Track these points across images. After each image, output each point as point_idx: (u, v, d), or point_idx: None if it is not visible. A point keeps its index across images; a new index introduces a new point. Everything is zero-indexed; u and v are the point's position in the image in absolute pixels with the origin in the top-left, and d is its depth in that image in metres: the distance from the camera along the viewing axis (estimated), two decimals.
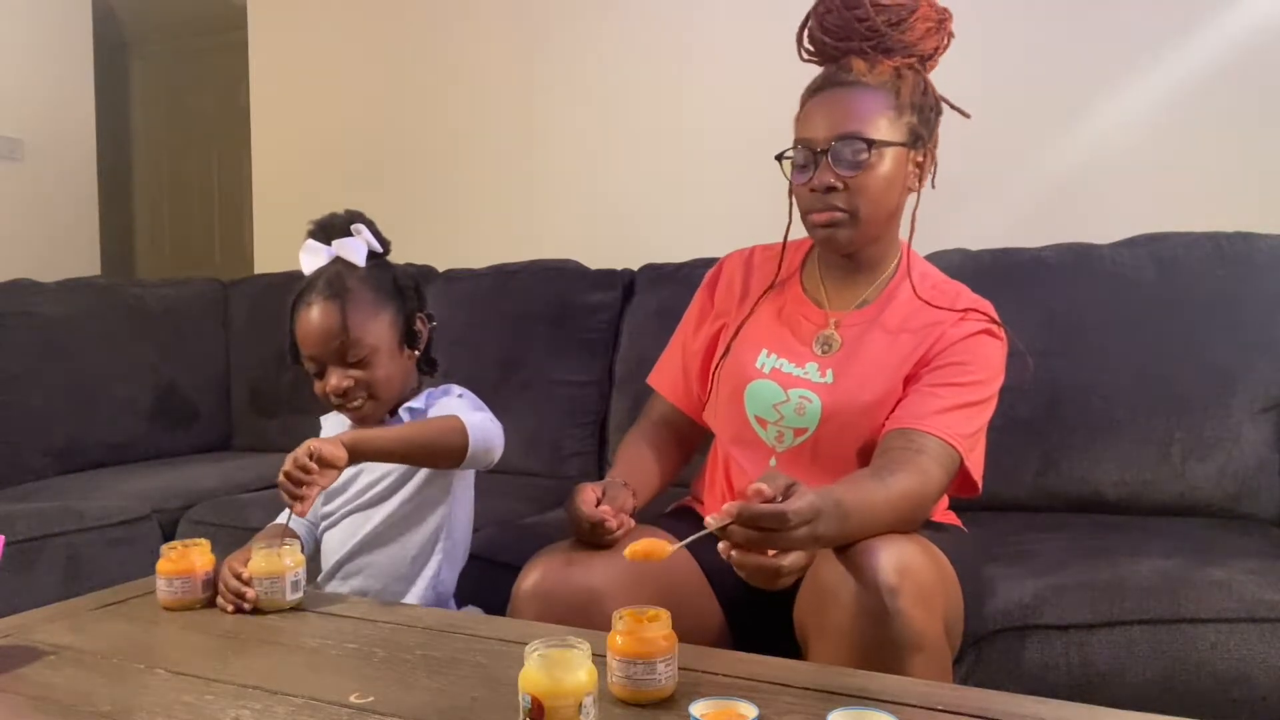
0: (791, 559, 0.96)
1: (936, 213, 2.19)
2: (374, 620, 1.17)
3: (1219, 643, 1.24)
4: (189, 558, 1.23)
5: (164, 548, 1.24)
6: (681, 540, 1.00)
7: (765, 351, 1.34)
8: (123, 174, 4.44)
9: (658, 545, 0.99)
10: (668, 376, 1.48)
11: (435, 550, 1.42)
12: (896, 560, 1.01)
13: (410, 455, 1.31)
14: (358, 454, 1.22)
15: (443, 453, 1.30)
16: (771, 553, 0.95)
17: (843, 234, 1.27)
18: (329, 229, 1.41)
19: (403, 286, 1.43)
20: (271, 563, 1.22)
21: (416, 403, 1.41)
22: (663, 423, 1.47)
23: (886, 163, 1.25)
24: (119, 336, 2.60)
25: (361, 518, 1.41)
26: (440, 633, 1.12)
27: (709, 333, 1.44)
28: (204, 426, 2.69)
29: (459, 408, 1.37)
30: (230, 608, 1.22)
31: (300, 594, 1.24)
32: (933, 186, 1.35)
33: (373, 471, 1.42)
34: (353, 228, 1.40)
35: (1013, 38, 2.19)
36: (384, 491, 1.41)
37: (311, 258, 1.40)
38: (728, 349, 1.38)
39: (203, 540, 1.26)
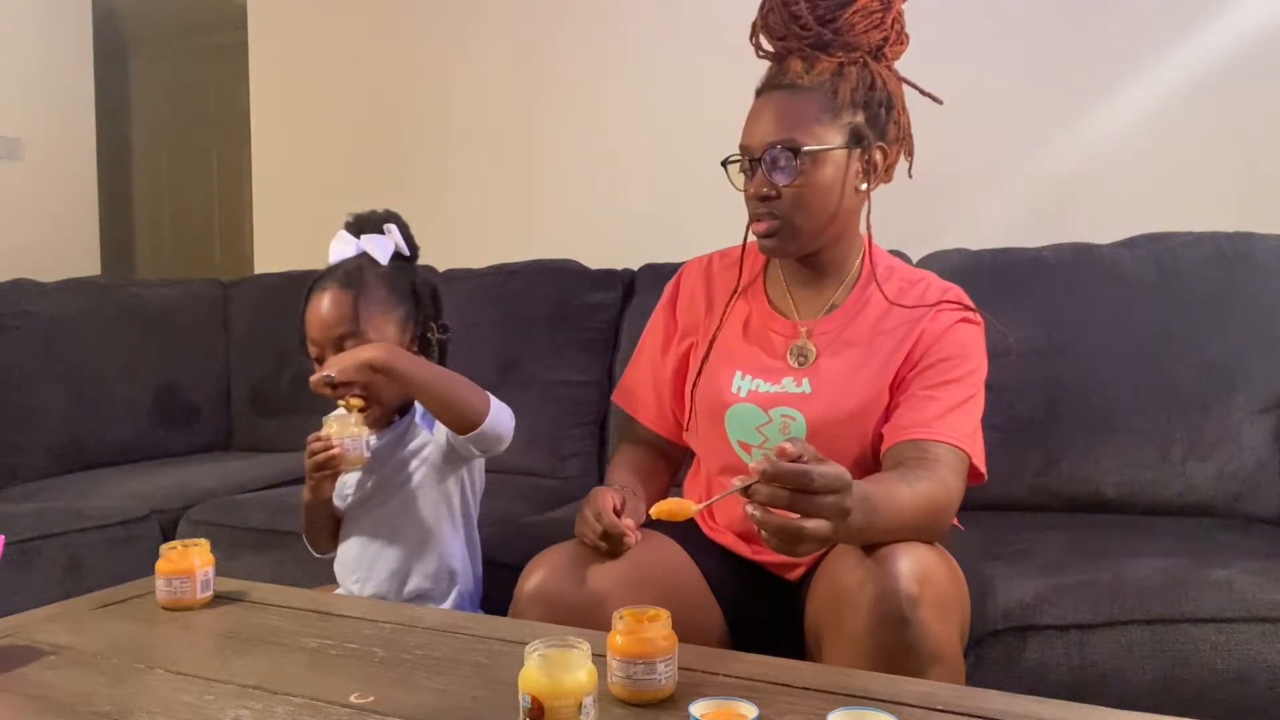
0: (814, 525, 0.91)
1: (936, 213, 2.21)
2: (374, 620, 1.17)
3: (1219, 643, 1.24)
4: (189, 558, 1.23)
5: (164, 548, 1.24)
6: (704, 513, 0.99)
7: (740, 374, 1.30)
8: (123, 174, 4.43)
9: (683, 505, 0.98)
10: (643, 402, 1.44)
11: (456, 541, 1.44)
12: (918, 568, 1.00)
13: (431, 390, 1.32)
14: (391, 367, 1.28)
15: (461, 408, 1.31)
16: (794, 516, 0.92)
17: (779, 243, 1.26)
18: (362, 223, 1.45)
19: (420, 292, 1.44)
20: (346, 426, 1.34)
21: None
22: (645, 445, 1.45)
23: (823, 168, 1.22)
24: (119, 336, 2.60)
25: (377, 520, 1.43)
26: (440, 633, 1.12)
27: (678, 354, 1.40)
28: (204, 426, 2.69)
29: None
30: (319, 476, 1.35)
31: (368, 455, 1.37)
32: (909, 176, 1.32)
33: (376, 479, 1.43)
34: (385, 227, 1.44)
35: (1013, 37, 2.19)
36: (389, 492, 1.43)
37: (340, 247, 1.43)
38: (699, 371, 1.34)
39: (202, 540, 1.26)
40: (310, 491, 1.40)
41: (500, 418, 1.33)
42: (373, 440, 1.39)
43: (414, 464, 1.41)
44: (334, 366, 1.28)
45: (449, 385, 1.32)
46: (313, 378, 1.29)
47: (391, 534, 1.42)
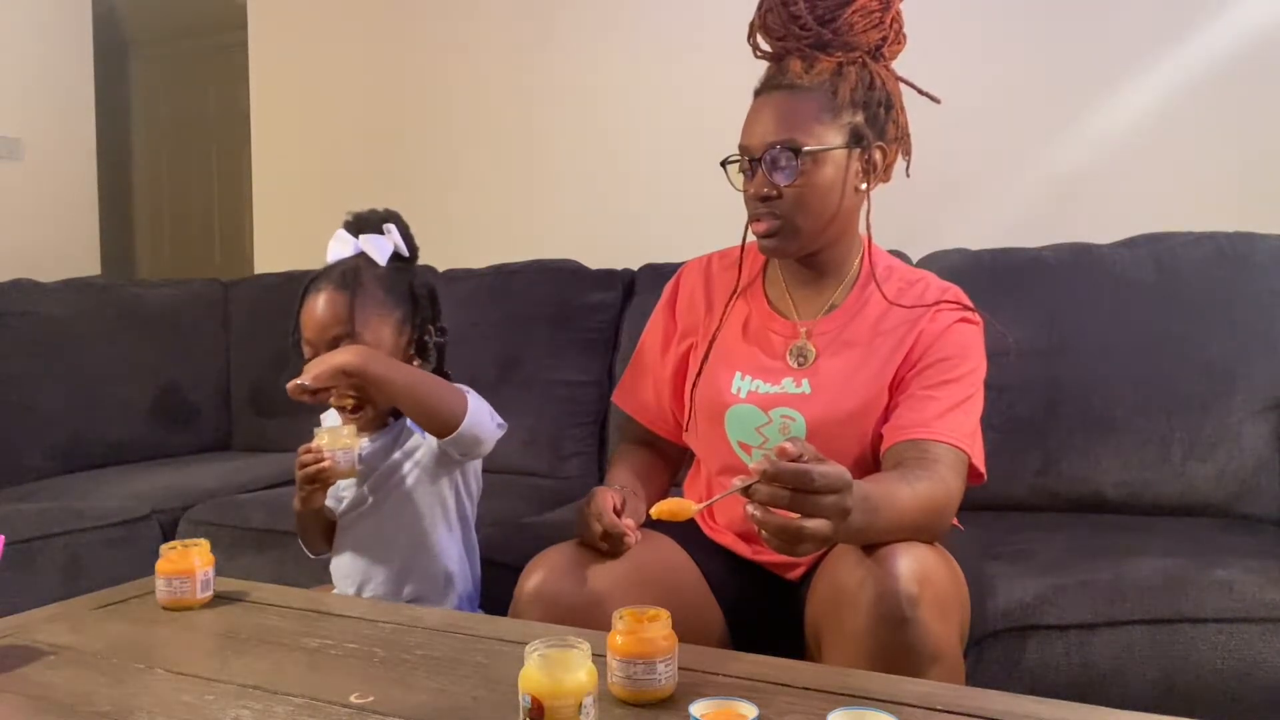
0: (815, 524, 0.91)
1: (936, 213, 2.21)
2: (374, 620, 1.17)
3: (1219, 643, 1.24)
4: (189, 558, 1.23)
5: (164, 548, 1.24)
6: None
7: (739, 374, 1.29)
8: (123, 174, 4.43)
9: (683, 505, 0.98)
10: (642, 402, 1.44)
11: (452, 544, 1.43)
12: (918, 568, 1.00)
13: (406, 394, 1.30)
14: (364, 372, 1.26)
15: (438, 411, 1.30)
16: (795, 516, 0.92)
17: (780, 243, 1.25)
18: (361, 222, 1.43)
19: (418, 294, 1.43)
20: (337, 438, 1.33)
21: None
22: (645, 445, 1.44)
23: (824, 168, 1.22)
24: (119, 336, 2.60)
25: (371, 525, 1.43)
26: (440, 633, 1.12)
27: (678, 354, 1.40)
28: (204, 426, 2.69)
29: None
30: (309, 488, 1.35)
31: (360, 467, 1.37)
32: (907, 175, 1.32)
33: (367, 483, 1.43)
34: (384, 227, 1.42)
35: (1013, 37, 2.19)
36: (383, 496, 1.42)
37: (338, 247, 1.42)
38: (699, 372, 1.34)
39: (202, 540, 1.26)
40: (301, 502, 1.39)
41: (478, 419, 1.32)
42: (365, 444, 1.39)
43: (407, 466, 1.41)
44: (308, 373, 1.27)
45: (425, 388, 1.30)
46: (288, 384, 1.27)
47: (386, 539, 1.41)
